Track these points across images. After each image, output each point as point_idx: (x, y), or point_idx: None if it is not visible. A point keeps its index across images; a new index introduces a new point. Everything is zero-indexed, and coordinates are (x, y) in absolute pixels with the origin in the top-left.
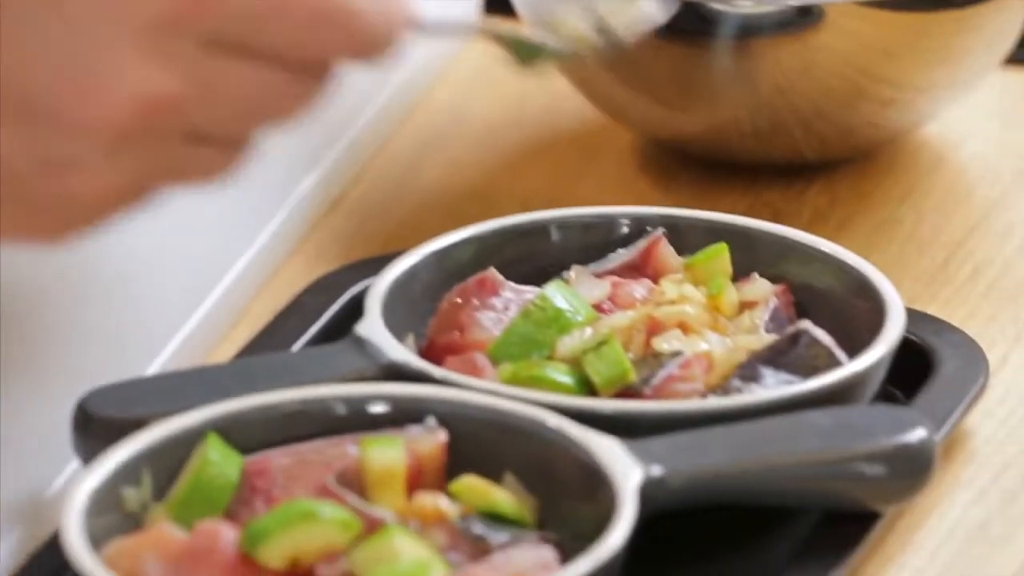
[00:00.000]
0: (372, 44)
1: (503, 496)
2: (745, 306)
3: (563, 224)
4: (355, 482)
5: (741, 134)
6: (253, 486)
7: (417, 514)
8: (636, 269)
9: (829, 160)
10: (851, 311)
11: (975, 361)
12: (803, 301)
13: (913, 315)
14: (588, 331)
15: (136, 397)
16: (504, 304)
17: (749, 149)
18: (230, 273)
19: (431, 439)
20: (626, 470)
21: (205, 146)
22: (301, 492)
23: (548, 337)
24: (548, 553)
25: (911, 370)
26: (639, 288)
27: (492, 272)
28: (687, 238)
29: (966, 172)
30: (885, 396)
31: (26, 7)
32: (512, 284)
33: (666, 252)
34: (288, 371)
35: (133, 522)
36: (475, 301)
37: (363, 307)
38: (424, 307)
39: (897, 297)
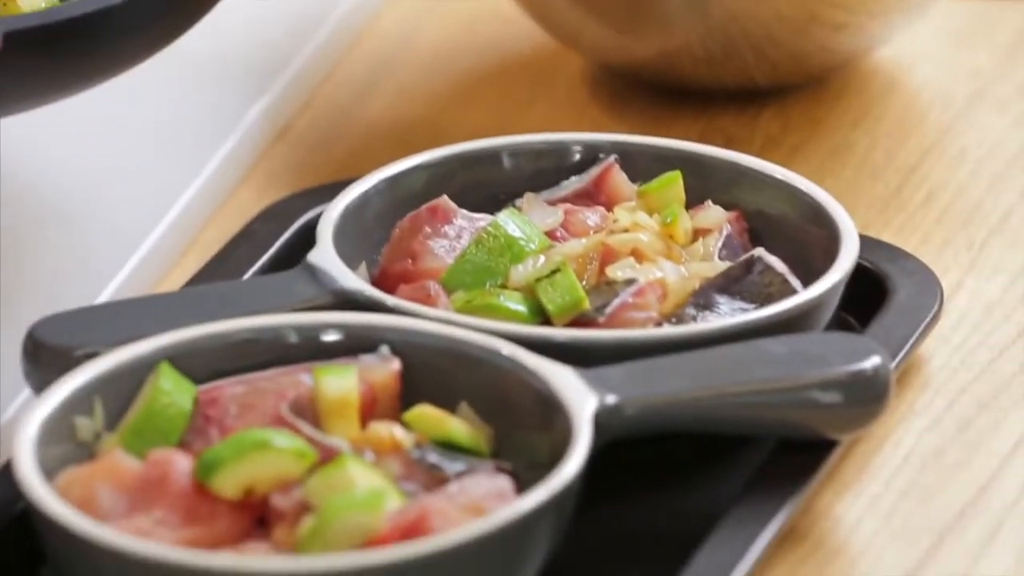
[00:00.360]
0: None
1: (458, 425)
2: (699, 233)
3: (515, 151)
4: (309, 411)
5: (693, 59)
6: (206, 415)
7: (371, 443)
8: (589, 196)
9: (781, 85)
10: (805, 238)
11: (929, 287)
12: (757, 228)
13: (867, 242)
14: (541, 259)
15: (86, 326)
16: (457, 232)
17: (701, 75)
18: (179, 201)
19: (385, 368)
20: (581, 399)
21: None
22: (255, 421)
23: (501, 265)
24: (504, 482)
25: (865, 297)
26: (592, 216)
27: (444, 200)
28: (639, 164)
29: (919, 96)
30: (839, 323)
31: None
32: (464, 212)
33: (619, 179)
34: (240, 300)
35: (85, 452)
36: (427, 229)
37: (315, 235)
38: (376, 235)
39: (851, 223)
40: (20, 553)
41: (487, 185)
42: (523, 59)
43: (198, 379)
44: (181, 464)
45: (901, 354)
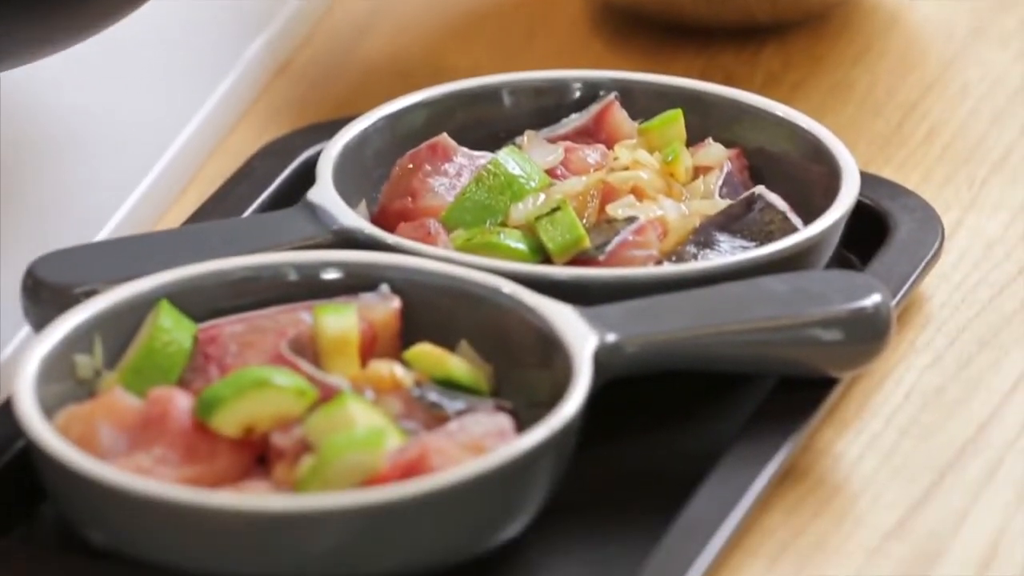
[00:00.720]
0: None
1: (458, 364)
2: (699, 171)
3: (515, 88)
4: (309, 349)
5: None
6: (206, 353)
7: (371, 382)
8: (589, 134)
9: (782, 22)
10: (805, 175)
11: (930, 225)
12: (757, 166)
13: (868, 179)
14: (541, 197)
15: (86, 263)
16: (457, 170)
17: (702, 11)
18: (179, 138)
19: (385, 306)
20: (581, 337)
21: None
22: (254, 359)
23: (501, 203)
24: (504, 421)
25: (866, 234)
26: (592, 153)
27: (444, 138)
28: (640, 102)
29: (920, 32)
30: (840, 261)
31: None
32: (464, 150)
33: (619, 116)
34: (239, 237)
35: (85, 390)
36: (427, 167)
37: (314, 173)
38: (376, 173)
39: (852, 161)
40: (20, 490)
41: (487, 123)
42: None
43: (197, 317)
44: (181, 402)
45: (902, 292)
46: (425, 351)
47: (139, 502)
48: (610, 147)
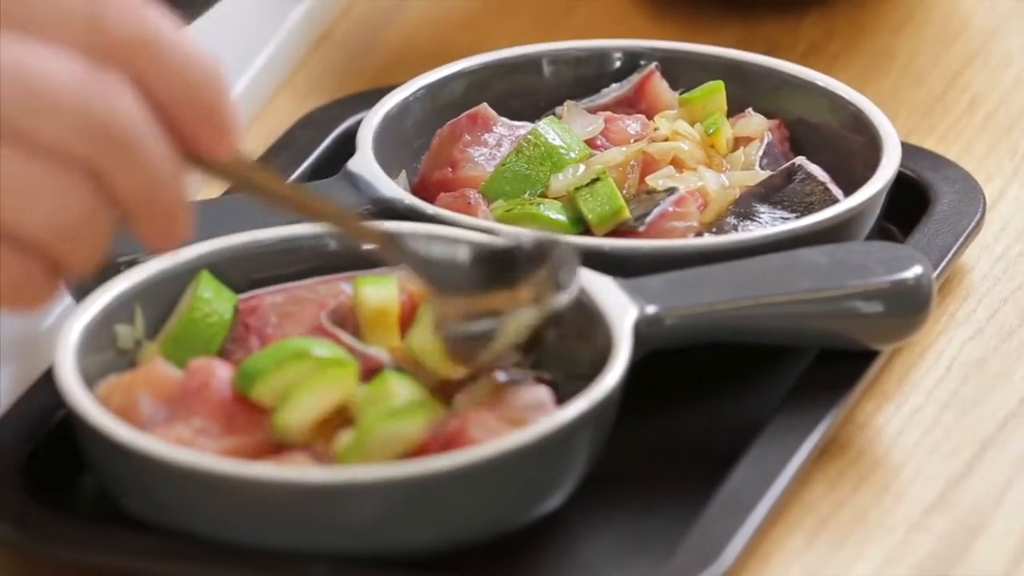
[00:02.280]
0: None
1: None
2: (740, 142)
3: (555, 58)
4: (349, 320)
5: None
6: (246, 324)
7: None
8: (629, 104)
9: None
10: (846, 146)
11: (972, 195)
12: (798, 136)
13: (909, 149)
14: (581, 168)
15: (127, 232)
16: (497, 140)
17: None
18: None
19: None
20: (621, 308)
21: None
22: (295, 330)
23: (541, 174)
24: (544, 393)
25: (907, 205)
26: (633, 124)
27: (484, 107)
28: (681, 72)
29: (963, 1)
30: (881, 232)
31: None
32: (504, 119)
33: (660, 86)
34: None
35: (126, 360)
36: (467, 137)
37: (354, 143)
38: (416, 143)
39: (893, 131)
40: (61, 460)
41: (527, 92)
42: None
43: (238, 287)
44: (221, 373)
45: (943, 263)
46: None
47: (179, 473)
48: (650, 117)
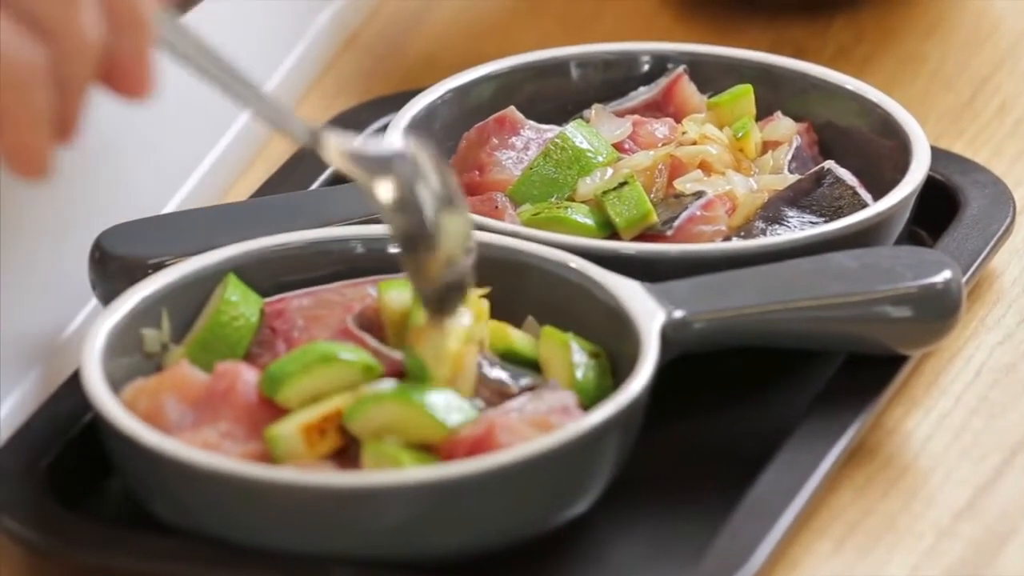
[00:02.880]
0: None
1: (524, 339)
2: (768, 145)
3: (583, 61)
4: (375, 323)
5: None
6: (272, 327)
7: None
8: (657, 107)
9: None
10: (875, 150)
11: (1002, 200)
12: (827, 140)
13: (938, 153)
14: (609, 172)
15: (153, 235)
16: (524, 143)
17: None
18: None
19: None
20: (649, 312)
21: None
22: (321, 334)
23: (568, 178)
24: (570, 397)
25: (936, 210)
26: (660, 127)
27: (511, 110)
28: (709, 75)
29: (992, 5)
30: (910, 237)
31: None
32: (532, 123)
33: (688, 90)
34: (306, 210)
35: (152, 363)
36: (494, 140)
37: None
38: (444, 146)
39: (922, 135)
40: (87, 464)
41: (555, 96)
42: None
43: (264, 290)
44: (247, 377)
45: (973, 268)
46: (490, 327)
47: (204, 477)
48: (678, 121)
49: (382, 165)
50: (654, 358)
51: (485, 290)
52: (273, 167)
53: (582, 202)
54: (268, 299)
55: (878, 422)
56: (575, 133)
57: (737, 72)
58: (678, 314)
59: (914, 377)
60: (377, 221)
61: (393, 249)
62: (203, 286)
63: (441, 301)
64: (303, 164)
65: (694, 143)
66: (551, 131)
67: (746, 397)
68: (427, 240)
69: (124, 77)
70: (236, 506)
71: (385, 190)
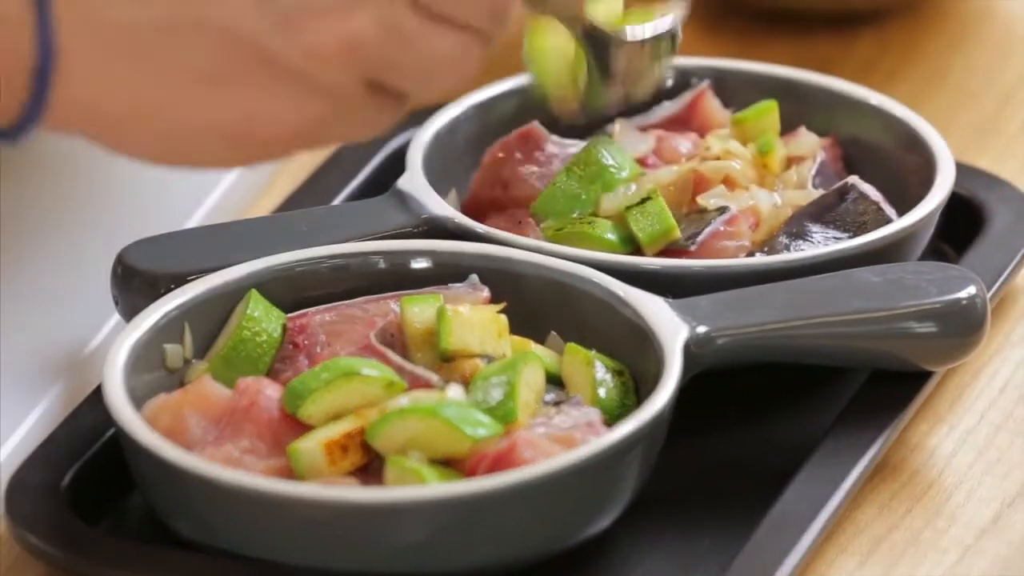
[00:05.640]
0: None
1: (546, 355)
2: (792, 160)
3: None
4: (397, 339)
5: None
6: (295, 343)
7: (458, 373)
8: (681, 122)
9: (878, 8)
10: (900, 165)
11: None
12: (851, 155)
13: (963, 169)
14: (632, 187)
15: (176, 250)
16: (547, 158)
17: None
18: None
19: (474, 297)
20: (672, 328)
21: (380, 97)
22: (343, 349)
23: (592, 193)
24: (593, 413)
25: (961, 225)
26: (684, 142)
27: (535, 125)
28: (733, 90)
29: (1017, 20)
30: (935, 252)
31: None
32: (555, 137)
33: (712, 105)
34: (329, 225)
35: (175, 379)
36: (518, 155)
37: (404, 161)
38: (467, 161)
39: (947, 150)
40: (109, 480)
41: None
42: None
43: (286, 305)
44: (269, 392)
45: (997, 284)
46: (513, 342)
47: (227, 493)
48: (702, 136)
49: None
50: (677, 374)
51: (502, 305)
52: (295, 182)
53: (605, 217)
54: (290, 314)
55: (902, 438)
56: (600, 149)
57: (761, 86)
58: (701, 330)
59: (938, 393)
60: (399, 237)
61: (416, 264)
62: (225, 301)
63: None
64: (326, 179)
65: (718, 158)
66: (575, 146)
67: (770, 413)
68: None
69: None
70: (258, 522)
71: None
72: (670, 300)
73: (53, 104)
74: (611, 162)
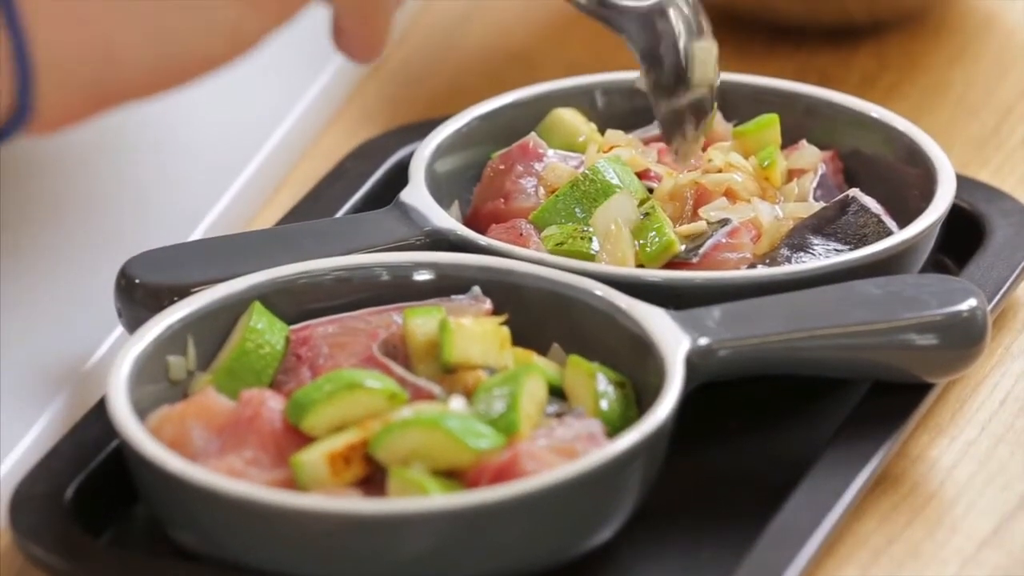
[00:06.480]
0: None
1: (549, 367)
2: (793, 173)
3: (608, 89)
4: (400, 351)
5: None
6: (298, 355)
7: (461, 385)
8: None
9: (878, 22)
10: (901, 178)
11: None
12: (852, 168)
13: (964, 181)
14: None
15: (179, 263)
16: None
17: (797, 11)
18: (272, 138)
19: (476, 308)
20: (674, 340)
21: None
22: (346, 361)
23: (593, 209)
24: (595, 424)
25: (962, 238)
26: None
27: (534, 137)
28: (734, 103)
29: (1017, 33)
30: (935, 265)
31: None
32: (556, 150)
33: (713, 118)
34: (332, 238)
35: (178, 391)
36: (518, 167)
37: (407, 173)
38: (469, 174)
39: (947, 163)
40: (113, 491)
41: None
42: None
43: (289, 317)
44: (272, 404)
45: (998, 296)
46: (515, 354)
47: (230, 504)
48: (704, 149)
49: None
50: (679, 385)
51: (504, 317)
52: (299, 194)
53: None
54: (293, 326)
55: (903, 450)
56: (607, 168)
57: (762, 99)
58: (703, 342)
59: (939, 405)
60: (402, 249)
61: (419, 276)
62: (229, 313)
63: (678, 123)
64: (328, 192)
65: (719, 171)
66: (575, 158)
67: (771, 425)
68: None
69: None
70: (261, 534)
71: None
72: (672, 312)
73: (36, 65)
74: (618, 182)
